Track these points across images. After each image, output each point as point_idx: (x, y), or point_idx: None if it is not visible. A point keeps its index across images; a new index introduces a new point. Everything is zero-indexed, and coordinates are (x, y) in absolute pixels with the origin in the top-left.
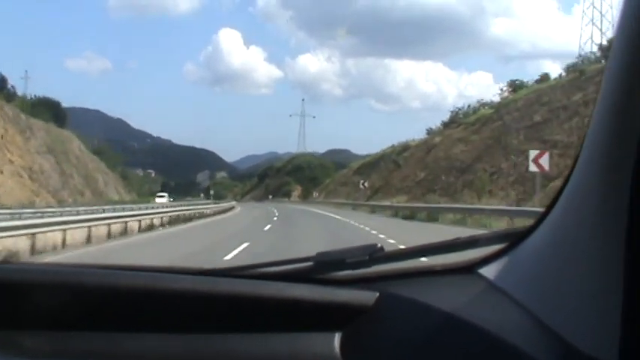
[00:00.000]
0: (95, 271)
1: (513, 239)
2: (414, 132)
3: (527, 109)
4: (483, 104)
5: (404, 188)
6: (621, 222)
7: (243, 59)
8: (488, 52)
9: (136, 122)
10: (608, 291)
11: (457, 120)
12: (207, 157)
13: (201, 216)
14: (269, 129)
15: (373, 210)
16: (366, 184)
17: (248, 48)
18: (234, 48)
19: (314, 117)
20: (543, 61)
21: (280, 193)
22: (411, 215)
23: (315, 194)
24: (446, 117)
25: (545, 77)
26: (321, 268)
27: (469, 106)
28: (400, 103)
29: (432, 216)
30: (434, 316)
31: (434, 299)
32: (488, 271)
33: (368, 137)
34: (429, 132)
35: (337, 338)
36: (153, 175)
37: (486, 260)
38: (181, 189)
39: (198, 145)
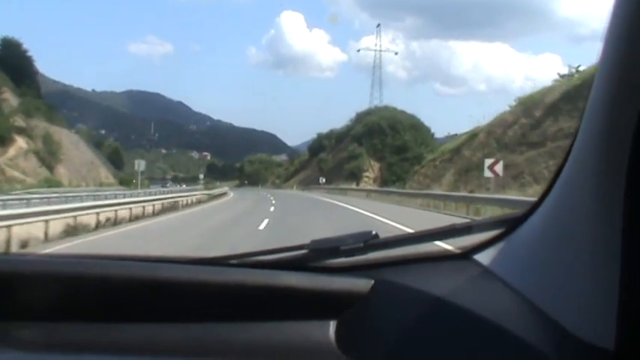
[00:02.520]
0: (90, 261)
1: (508, 225)
2: (482, 115)
3: None
4: None
5: None
6: (617, 207)
7: (306, 42)
8: (558, 32)
9: (197, 105)
10: (604, 277)
11: None
12: (267, 139)
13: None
14: (333, 112)
15: None
16: None
17: (311, 31)
18: (296, 31)
19: (396, 53)
20: None
21: (342, 174)
22: None
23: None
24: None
25: None
26: (316, 255)
27: None
28: (466, 85)
29: None
30: (429, 303)
31: (429, 286)
32: (484, 257)
33: (434, 120)
34: None
35: (332, 326)
36: (208, 157)
37: (482, 246)
38: (229, 171)
39: (258, 128)
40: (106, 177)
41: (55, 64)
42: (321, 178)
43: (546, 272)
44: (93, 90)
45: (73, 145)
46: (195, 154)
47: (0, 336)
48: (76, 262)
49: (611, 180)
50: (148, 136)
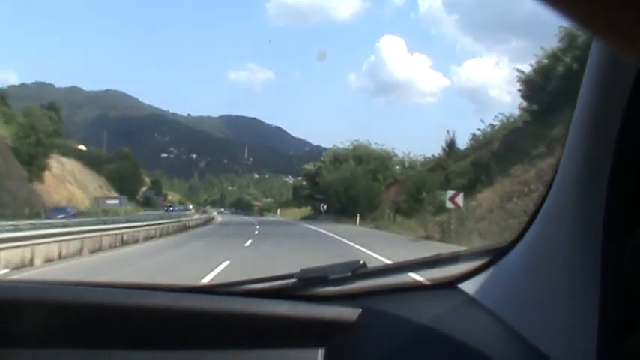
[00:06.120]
0: (79, 288)
1: (493, 255)
2: None
3: None
4: None
5: None
6: (597, 237)
7: (407, 67)
8: None
9: (295, 131)
10: (585, 305)
11: None
12: None
13: None
14: (437, 138)
15: None
16: None
17: (412, 55)
18: (397, 56)
19: None
20: None
21: None
22: None
23: None
24: None
25: None
26: (305, 284)
27: None
28: None
29: None
30: (416, 331)
31: (416, 314)
32: (469, 286)
33: None
34: None
35: (321, 354)
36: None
37: (467, 275)
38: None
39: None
40: None
41: (151, 90)
42: None
43: (529, 300)
44: (188, 115)
45: None
46: (289, 179)
47: None
48: (62, 288)
49: (590, 212)
50: (241, 161)
